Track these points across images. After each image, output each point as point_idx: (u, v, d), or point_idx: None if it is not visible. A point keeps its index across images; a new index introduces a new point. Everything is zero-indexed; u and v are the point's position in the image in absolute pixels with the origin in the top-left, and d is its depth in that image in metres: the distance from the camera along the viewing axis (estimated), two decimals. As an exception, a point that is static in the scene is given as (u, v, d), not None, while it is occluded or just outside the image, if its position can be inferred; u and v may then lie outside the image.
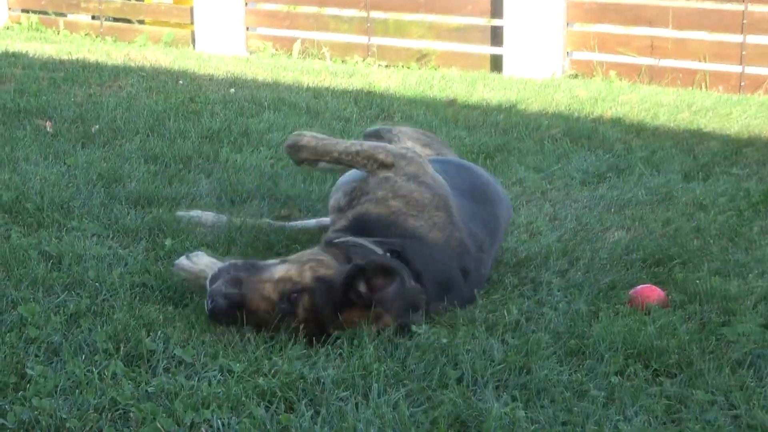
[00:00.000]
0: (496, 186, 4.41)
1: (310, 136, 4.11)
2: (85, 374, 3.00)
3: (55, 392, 2.91)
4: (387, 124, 4.67)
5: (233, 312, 3.41)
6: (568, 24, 9.64)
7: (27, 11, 12.52)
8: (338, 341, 3.33)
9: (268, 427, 2.82)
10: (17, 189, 4.68)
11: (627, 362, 3.29)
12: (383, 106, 7.39)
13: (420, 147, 4.49)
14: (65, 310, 3.46)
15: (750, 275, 4.09)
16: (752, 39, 8.92)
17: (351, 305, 3.41)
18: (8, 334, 3.24)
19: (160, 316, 3.45)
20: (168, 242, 4.17)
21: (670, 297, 3.85)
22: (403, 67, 10.15)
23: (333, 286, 3.43)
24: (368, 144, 4.05)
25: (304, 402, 2.95)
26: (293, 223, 4.53)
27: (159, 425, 2.77)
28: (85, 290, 3.66)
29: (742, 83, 8.85)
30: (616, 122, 7.19)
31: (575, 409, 2.97)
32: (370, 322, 3.38)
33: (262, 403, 2.93)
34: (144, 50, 10.44)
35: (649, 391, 3.12)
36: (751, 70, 8.89)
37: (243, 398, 2.93)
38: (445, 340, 3.35)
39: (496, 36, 9.96)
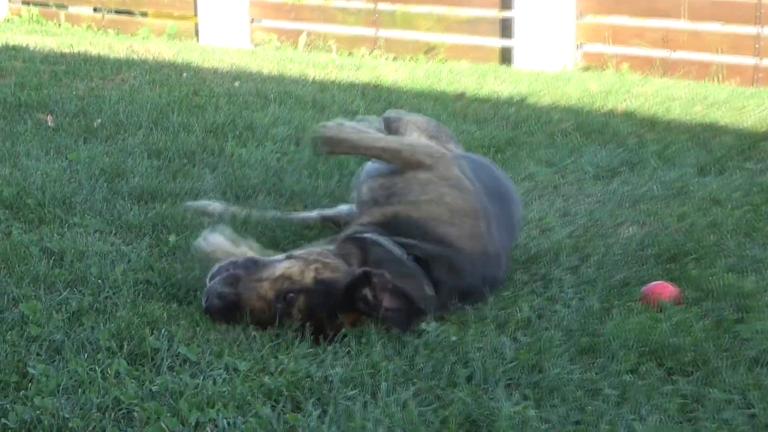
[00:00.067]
0: (508, 182, 4.41)
1: (350, 129, 4.05)
2: (87, 373, 3.00)
3: (58, 391, 2.91)
4: (397, 111, 4.64)
5: (228, 311, 3.42)
6: (579, 15, 9.62)
7: (27, 3, 12.52)
8: (346, 339, 3.33)
9: (275, 426, 2.82)
10: (18, 184, 4.68)
11: (640, 360, 3.29)
12: (391, 100, 7.38)
13: (426, 138, 4.48)
14: (67, 308, 3.46)
15: (766, 271, 4.08)
16: (768, 30, 8.91)
17: (351, 309, 3.41)
18: (9, 332, 3.24)
19: (164, 314, 3.45)
20: (172, 238, 4.17)
21: (684, 294, 3.85)
22: (411, 59, 10.14)
23: (334, 289, 3.43)
24: (408, 142, 4.01)
25: (311, 401, 2.95)
26: (294, 215, 4.55)
27: (163, 425, 2.78)
28: (88, 287, 3.66)
29: (757, 76, 8.83)
30: (629, 116, 7.18)
31: (588, 408, 2.97)
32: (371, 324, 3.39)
33: (268, 403, 2.93)
34: (147, 43, 10.45)
35: (663, 389, 3.11)
36: (766, 62, 8.86)
37: (249, 397, 2.94)
38: (454, 338, 3.35)
39: (505, 28, 9.95)
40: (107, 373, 3.01)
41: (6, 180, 4.77)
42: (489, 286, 3.74)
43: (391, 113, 4.62)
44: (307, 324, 3.38)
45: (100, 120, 6.10)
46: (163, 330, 3.31)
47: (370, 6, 10.59)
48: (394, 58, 10.24)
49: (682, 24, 9.27)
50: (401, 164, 3.95)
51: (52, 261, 3.87)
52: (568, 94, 8.01)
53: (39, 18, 12.24)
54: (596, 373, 3.18)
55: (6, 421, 2.76)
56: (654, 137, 6.49)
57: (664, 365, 3.28)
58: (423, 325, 3.42)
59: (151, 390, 2.95)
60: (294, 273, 3.46)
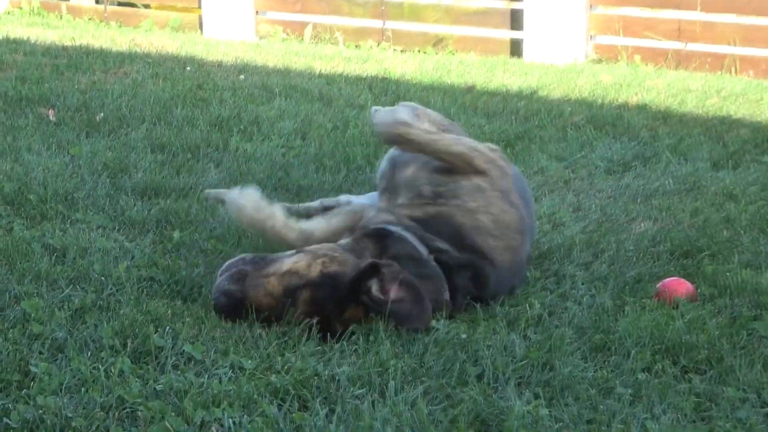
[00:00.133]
0: (523, 180, 4.40)
1: (418, 130, 3.94)
2: (90, 371, 3.01)
3: (60, 390, 2.92)
4: (410, 102, 4.63)
5: (235, 309, 3.43)
6: (591, 6, 9.61)
7: (28, -5, 12.55)
8: (353, 337, 3.33)
9: (281, 426, 2.82)
10: (19, 180, 4.69)
11: (654, 358, 3.29)
12: (399, 93, 7.38)
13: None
14: (70, 305, 3.47)
15: (782, 267, 4.09)
16: (783, 21, 8.90)
17: (357, 303, 3.42)
18: (11, 330, 3.25)
19: (169, 311, 3.45)
20: (176, 234, 4.18)
21: (699, 290, 3.84)
22: (419, 52, 10.14)
23: (340, 282, 3.42)
24: (467, 145, 3.93)
25: (318, 400, 2.95)
26: (300, 206, 4.57)
27: (168, 424, 2.78)
28: (91, 284, 3.67)
29: (773, 68, 8.82)
30: (642, 109, 7.17)
31: (600, 407, 2.97)
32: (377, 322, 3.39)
33: (274, 402, 2.93)
34: (150, 35, 10.45)
35: (678, 388, 3.11)
36: (782, 53, 8.86)
37: (255, 396, 2.94)
38: (464, 336, 3.35)
39: (515, 20, 9.94)
40: (111, 371, 3.02)
41: (7, 175, 4.78)
42: (506, 294, 3.74)
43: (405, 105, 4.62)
44: (315, 320, 3.38)
45: (102, 114, 6.11)
46: (168, 328, 3.31)
47: (378, -3, 10.59)
48: (402, 51, 10.24)
49: (696, 15, 9.25)
50: (459, 167, 3.91)
51: (54, 258, 3.88)
52: (579, 86, 8.00)
53: (40, 10, 12.24)
54: (609, 372, 3.18)
55: (8, 421, 2.76)
56: (667, 131, 6.48)
57: (678, 363, 3.28)
58: (433, 323, 3.42)
59: (155, 389, 2.95)
60: (301, 267, 3.46)
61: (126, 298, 3.56)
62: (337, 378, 3.06)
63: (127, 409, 2.86)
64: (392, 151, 4.16)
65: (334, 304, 3.40)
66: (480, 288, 3.65)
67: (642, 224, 4.66)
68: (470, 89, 7.81)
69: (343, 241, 3.69)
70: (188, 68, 8.03)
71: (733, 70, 8.90)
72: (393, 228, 3.70)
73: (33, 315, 3.35)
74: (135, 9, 12.00)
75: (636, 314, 3.58)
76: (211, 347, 3.22)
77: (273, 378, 3.03)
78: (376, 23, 10.56)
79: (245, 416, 2.85)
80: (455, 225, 3.72)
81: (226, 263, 3.57)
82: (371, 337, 3.31)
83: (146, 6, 12.04)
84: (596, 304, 3.69)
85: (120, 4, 12.15)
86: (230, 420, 2.82)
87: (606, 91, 7.79)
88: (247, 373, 3.07)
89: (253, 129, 6.04)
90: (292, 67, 8.61)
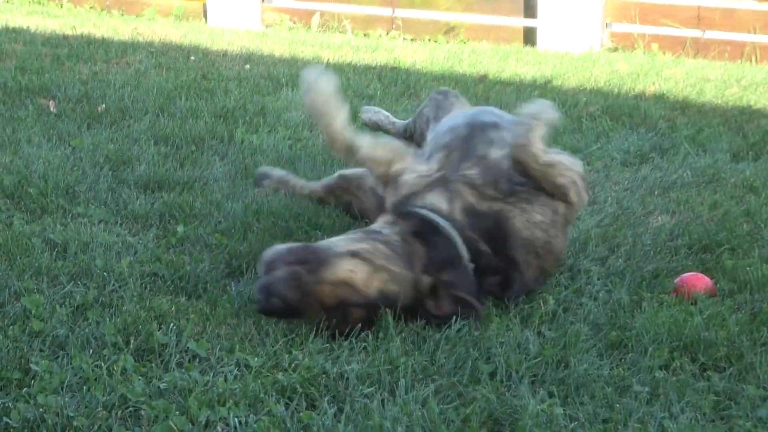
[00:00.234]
0: None
1: (540, 143, 3.75)
2: (92, 370, 3.01)
3: (61, 389, 2.92)
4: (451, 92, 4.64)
5: (288, 315, 3.38)
6: (606, -7, 9.61)
7: (28, -17, 12.55)
8: (362, 334, 3.32)
9: (288, 425, 2.82)
10: (19, 173, 4.70)
11: (672, 355, 3.29)
12: (409, 83, 7.38)
13: None
14: (71, 302, 3.48)
15: (804, 262, 4.08)
16: (806, 8, 8.88)
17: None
18: (11, 327, 3.26)
19: (173, 308, 3.46)
20: (180, 228, 4.18)
21: (718, 285, 3.84)
22: (429, 40, 10.13)
23: (394, 302, 3.41)
24: (569, 178, 3.78)
25: (326, 399, 2.95)
26: (303, 184, 4.71)
27: (172, 424, 2.78)
28: (93, 280, 3.67)
29: (795, 56, 8.81)
30: (660, 98, 7.17)
31: (617, 405, 2.97)
32: None
33: (281, 400, 2.94)
34: (153, 24, 10.46)
35: (696, 386, 3.11)
36: (804, 41, 8.85)
37: (261, 395, 2.94)
38: (477, 333, 3.35)
39: (529, 7, 9.93)
40: (113, 369, 3.02)
41: (7, 168, 4.78)
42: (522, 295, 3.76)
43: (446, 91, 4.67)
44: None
45: (104, 105, 6.12)
46: (172, 324, 3.32)
47: (387, -16, 10.59)
48: (413, 39, 10.23)
49: (715, 1, 9.24)
50: (551, 192, 3.77)
51: (55, 253, 3.89)
52: (595, 76, 7.99)
53: (40, -2, 12.25)
54: (625, 369, 3.18)
55: (8, 420, 2.77)
56: (686, 121, 6.47)
57: (697, 360, 3.28)
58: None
59: (159, 387, 2.96)
60: (358, 281, 3.39)
61: (129, 294, 3.56)
62: (345, 376, 3.06)
63: (130, 408, 2.86)
64: (474, 114, 4.14)
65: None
66: (504, 293, 3.66)
67: (659, 218, 4.66)
68: (482, 79, 7.80)
69: (388, 229, 3.59)
70: (192, 58, 8.03)
71: (753, 58, 8.88)
72: (441, 223, 3.65)
73: (33, 311, 3.36)
74: (137, -3, 12.00)
75: (653, 310, 3.58)
76: (216, 344, 3.23)
77: (280, 376, 3.03)
78: (386, 11, 10.56)
79: (251, 415, 2.85)
80: (509, 230, 3.70)
81: (270, 255, 3.46)
82: (381, 334, 3.31)
83: (149, -6, 12.04)
84: (612, 300, 3.69)
85: (122, -9, 12.14)
86: (236, 419, 2.82)
87: (622, 81, 7.78)
88: (254, 371, 3.07)
89: (259, 120, 6.04)
90: (299, 56, 8.61)
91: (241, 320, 3.41)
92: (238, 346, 3.22)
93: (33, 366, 3.02)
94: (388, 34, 10.38)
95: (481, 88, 7.30)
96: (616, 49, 9.44)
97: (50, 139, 5.34)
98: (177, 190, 4.67)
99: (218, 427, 2.80)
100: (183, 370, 3.07)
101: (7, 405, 2.84)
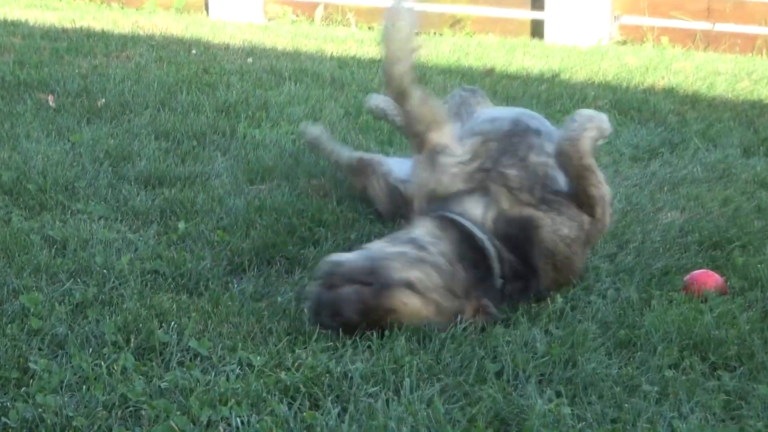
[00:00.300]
0: None
1: (588, 143, 3.73)
2: (92, 369, 3.02)
3: (61, 388, 2.93)
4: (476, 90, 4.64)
5: (335, 329, 3.36)
6: (615, -15, 9.61)
7: (26, -24, 12.55)
8: (367, 332, 3.32)
9: (292, 425, 2.82)
10: (18, 169, 4.71)
11: (682, 354, 3.29)
12: (415, 76, 7.36)
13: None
14: (70, 300, 3.48)
15: (817, 259, 4.08)
16: (818, 0, 8.87)
17: None
18: (10, 326, 3.26)
19: (174, 306, 3.46)
20: (181, 225, 4.18)
21: (728, 283, 3.84)
22: (435, 33, 10.13)
23: (437, 325, 3.41)
24: (602, 192, 3.78)
25: (330, 398, 2.95)
26: (333, 149, 4.87)
27: (173, 423, 2.78)
28: (92, 278, 3.68)
29: (808, 49, 8.80)
30: (669, 92, 7.16)
31: (625, 405, 2.97)
32: None
33: (284, 400, 2.94)
34: (153, 17, 10.46)
35: (707, 385, 3.11)
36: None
37: (264, 394, 2.94)
38: (483, 331, 3.35)
39: (536, -1, 9.94)
40: (113, 368, 3.03)
41: (5, 164, 4.79)
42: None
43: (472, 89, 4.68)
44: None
45: (104, 100, 6.12)
46: (173, 323, 3.32)
47: (392, -24, 10.56)
48: (418, 32, 10.21)
49: (726, -6, 9.24)
50: (580, 201, 3.79)
51: (54, 250, 3.89)
52: (603, 69, 7.99)
53: (39, -9, 12.25)
54: (634, 368, 3.18)
55: (6, 420, 2.77)
56: (696, 115, 6.47)
57: (707, 359, 3.28)
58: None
59: (159, 386, 2.96)
60: (406, 313, 3.38)
61: (129, 292, 3.57)
62: (349, 375, 3.06)
63: (131, 408, 2.86)
64: (520, 113, 4.11)
65: None
66: (520, 296, 3.67)
67: (669, 214, 4.66)
68: (489, 72, 7.80)
69: (434, 248, 3.56)
70: (194, 51, 8.03)
71: (765, 51, 8.87)
72: (480, 236, 3.65)
73: (32, 310, 3.37)
74: (138, -11, 12.01)
75: (663, 308, 3.58)
76: (218, 343, 3.23)
77: (283, 375, 3.03)
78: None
79: (254, 415, 2.85)
80: (535, 238, 3.70)
81: (330, 267, 3.43)
82: (385, 333, 3.31)
83: (149, -14, 12.04)
84: (621, 298, 3.69)
85: (122, -16, 12.15)
86: (238, 419, 2.82)
87: (631, 74, 7.78)
88: (256, 370, 3.07)
89: (262, 115, 6.04)
90: (302, 49, 8.61)
91: (243, 318, 3.41)
92: (240, 345, 3.22)
93: (32, 365, 3.02)
94: (392, 27, 10.36)
95: (488, 82, 7.30)
96: (625, 42, 9.44)
97: (49, 135, 5.34)
98: (178, 186, 4.68)
99: (220, 427, 2.80)
100: (184, 369, 3.07)
101: (5, 405, 2.84)
